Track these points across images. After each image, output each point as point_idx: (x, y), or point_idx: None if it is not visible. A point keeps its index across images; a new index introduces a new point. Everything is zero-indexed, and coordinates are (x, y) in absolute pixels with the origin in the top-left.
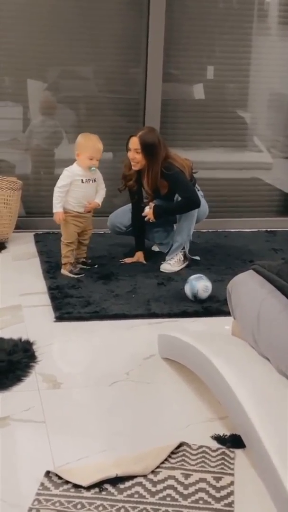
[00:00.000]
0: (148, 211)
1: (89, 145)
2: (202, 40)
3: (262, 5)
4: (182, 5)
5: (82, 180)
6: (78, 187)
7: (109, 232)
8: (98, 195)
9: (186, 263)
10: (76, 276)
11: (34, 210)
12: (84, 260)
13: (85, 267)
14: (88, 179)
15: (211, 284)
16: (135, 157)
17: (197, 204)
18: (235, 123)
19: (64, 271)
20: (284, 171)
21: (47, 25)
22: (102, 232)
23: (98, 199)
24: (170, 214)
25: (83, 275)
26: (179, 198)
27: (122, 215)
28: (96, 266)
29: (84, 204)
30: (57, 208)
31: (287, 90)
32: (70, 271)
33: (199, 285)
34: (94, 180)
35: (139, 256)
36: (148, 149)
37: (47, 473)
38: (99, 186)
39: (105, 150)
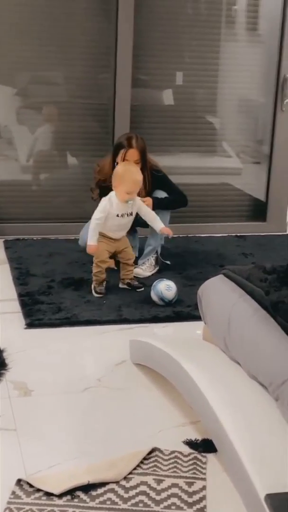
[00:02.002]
0: (147, 200)
1: (126, 178)
2: (171, 46)
3: (230, 11)
4: (151, 11)
5: (117, 214)
6: (112, 219)
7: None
8: (155, 221)
9: (157, 267)
10: (97, 295)
11: (4, 216)
12: (129, 281)
13: (129, 288)
14: (123, 214)
15: (173, 283)
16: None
17: (187, 201)
18: (205, 128)
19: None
20: (254, 176)
21: (15, 30)
22: (73, 238)
23: (159, 224)
24: (164, 207)
25: (103, 295)
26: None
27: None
28: (142, 289)
29: (118, 234)
30: (92, 240)
31: (255, 96)
32: (94, 288)
33: (161, 286)
34: (131, 214)
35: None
36: (144, 155)
37: (18, 481)
38: (147, 214)
39: (74, 155)
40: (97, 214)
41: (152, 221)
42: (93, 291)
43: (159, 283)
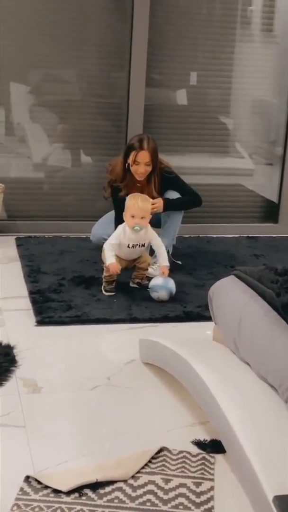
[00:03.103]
0: (157, 201)
1: (130, 203)
2: (186, 46)
3: (245, 12)
4: (166, 11)
5: (128, 245)
6: (124, 248)
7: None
8: (159, 257)
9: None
10: (107, 294)
11: (16, 213)
12: (139, 281)
13: (138, 287)
14: (134, 245)
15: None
16: (146, 169)
17: (201, 201)
18: (218, 129)
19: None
20: (266, 178)
21: (30, 28)
22: (84, 236)
23: (163, 261)
24: (177, 208)
25: (114, 293)
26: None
27: (105, 226)
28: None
29: (130, 257)
30: (110, 260)
31: (269, 97)
32: (103, 287)
33: (170, 284)
34: (143, 245)
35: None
36: (155, 157)
37: (27, 478)
38: (156, 248)
39: (87, 154)
40: (112, 240)
41: (158, 255)
42: (103, 290)
43: (168, 284)
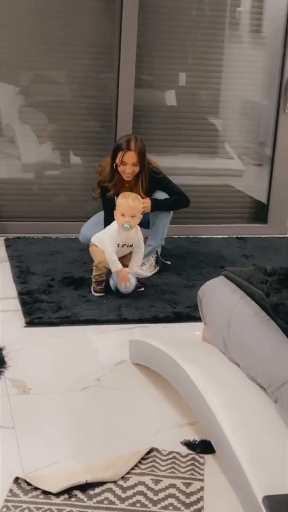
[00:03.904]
0: (145, 201)
1: (121, 202)
2: (175, 47)
3: (234, 13)
4: (155, 11)
5: (119, 244)
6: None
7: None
8: (133, 259)
9: (158, 268)
10: (96, 295)
11: (5, 214)
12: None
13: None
14: (124, 245)
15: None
16: (133, 170)
17: (188, 202)
18: (207, 129)
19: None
20: (255, 178)
21: (19, 29)
22: (74, 237)
23: (133, 267)
24: (164, 208)
25: (103, 294)
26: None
27: (95, 226)
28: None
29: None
30: (116, 267)
31: (258, 98)
32: (93, 288)
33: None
34: (131, 246)
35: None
36: (143, 157)
37: (16, 480)
38: (136, 249)
39: (76, 154)
40: (108, 248)
41: (133, 257)
42: (92, 291)
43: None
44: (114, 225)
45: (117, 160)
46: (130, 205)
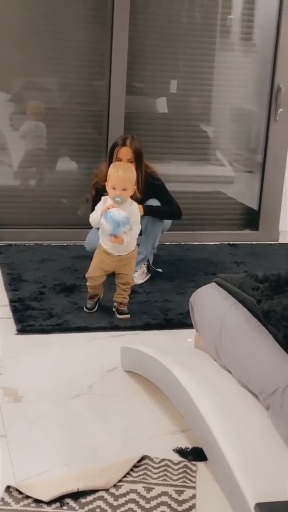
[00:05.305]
0: (140, 206)
1: (111, 172)
2: (166, 54)
3: (225, 21)
4: (146, 19)
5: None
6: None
7: (72, 244)
8: (130, 232)
9: (149, 275)
10: (86, 311)
11: None
12: (116, 305)
13: (118, 315)
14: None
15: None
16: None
17: (180, 215)
18: (198, 137)
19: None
20: (246, 185)
21: (11, 36)
22: (65, 244)
23: (128, 236)
24: (156, 215)
25: (93, 310)
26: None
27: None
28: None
29: (116, 250)
30: (98, 215)
31: (249, 105)
32: (85, 302)
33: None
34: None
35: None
36: (139, 156)
37: (8, 488)
38: (133, 225)
39: (68, 161)
40: (93, 214)
41: (130, 232)
42: (84, 307)
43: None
44: (104, 199)
45: (113, 158)
46: (121, 176)
